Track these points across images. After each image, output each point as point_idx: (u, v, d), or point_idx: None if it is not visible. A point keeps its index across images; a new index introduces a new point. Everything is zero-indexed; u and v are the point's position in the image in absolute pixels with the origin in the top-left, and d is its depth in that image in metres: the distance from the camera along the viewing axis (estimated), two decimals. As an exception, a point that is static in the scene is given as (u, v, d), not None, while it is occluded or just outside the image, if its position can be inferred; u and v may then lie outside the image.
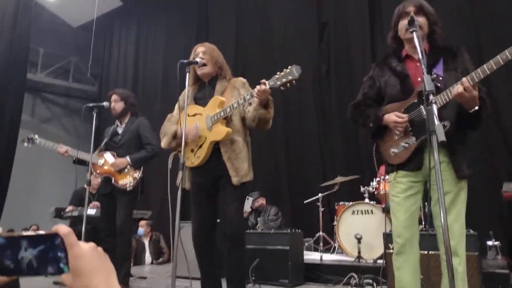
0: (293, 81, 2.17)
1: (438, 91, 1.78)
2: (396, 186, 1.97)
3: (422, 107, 1.86)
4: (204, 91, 2.57)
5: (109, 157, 3.49)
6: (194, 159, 2.45)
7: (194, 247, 2.51)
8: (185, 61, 2.42)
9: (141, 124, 3.60)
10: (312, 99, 5.75)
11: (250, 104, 2.40)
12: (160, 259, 5.70)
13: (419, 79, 1.90)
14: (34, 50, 8.52)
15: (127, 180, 3.41)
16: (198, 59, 2.49)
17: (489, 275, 2.89)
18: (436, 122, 1.45)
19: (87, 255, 0.59)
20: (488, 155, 4.27)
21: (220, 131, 2.35)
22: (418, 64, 1.94)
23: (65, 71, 9.37)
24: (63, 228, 0.59)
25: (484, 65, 1.71)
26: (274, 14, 6.37)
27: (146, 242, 5.78)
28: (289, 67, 2.17)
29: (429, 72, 1.80)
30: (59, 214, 4.37)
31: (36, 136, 3.82)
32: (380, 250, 3.61)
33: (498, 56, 1.69)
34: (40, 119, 9.24)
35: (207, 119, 2.42)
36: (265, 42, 6.38)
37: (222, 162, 2.38)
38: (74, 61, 9.37)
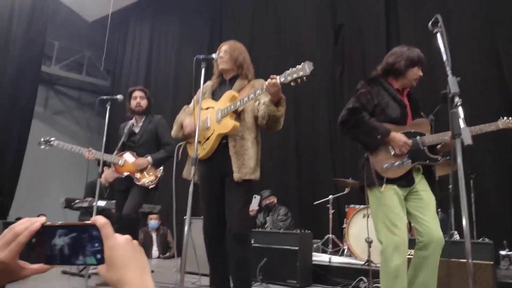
0: (304, 78, 2.12)
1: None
2: (393, 197, 2.11)
3: (418, 137, 2.17)
4: (224, 87, 2.56)
5: (129, 157, 3.52)
6: (201, 150, 2.43)
7: (204, 242, 2.50)
8: (200, 56, 2.42)
9: (159, 123, 3.62)
10: (325, 101, 5.72)
11: (264, 103, 2.37)
12: (167, 254, 5.72)
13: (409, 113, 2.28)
14: (49, 44, 8.61)
15: (149, 179, 3.45)
16: (214, 55, 2.48)
17: (504, 285, 2.83)
18: (462, 124, 1.42)
19: (122, 246, 0.59)
20: (503, 168, 4.20)
21: (228, 124, 2.34)
22: (405, 100, 2.29)
23: (78, 65, 9.44)
24: (100, 219, 0.59)
25: (482, 125, 2.14)
26: (289, 14, 6.34)
27: (154, 235, 5.80)
28: (302, 63, 2.13)
29: (417, 113, 2.29)
30: (69, 204, 4.38)
31: (53, 138, 3.81)
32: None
33: (488, 124, 2.13)
34: (53, 111, 9.32)
35: (217, 112, 2.42)
36: (279, 42, 6.36)
37: (229, 158, 2.36)
38: (88, 55, 9.44)
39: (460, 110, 1.49)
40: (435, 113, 3.71)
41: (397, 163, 2.12)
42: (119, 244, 0.59)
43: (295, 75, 2.13)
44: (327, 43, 5.82)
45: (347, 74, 5.62)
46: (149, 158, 3.47)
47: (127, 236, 0.61)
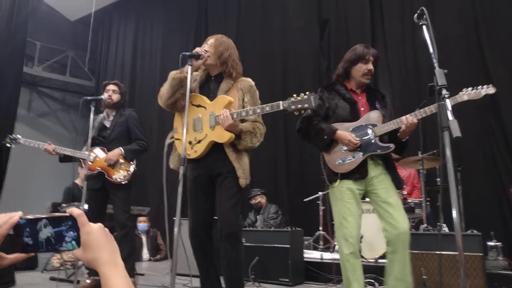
0: (308, 110, 2.12)
1: (383, 120, 2.28)
2: (345, 192, 2.23)
3: (369, 128, 2.25)
4: (210, 84, 2.49)
5: (99, 152, 3.39)
6: (191, 151, 2.38)
7: (191, 244, 2.45)
8: (187, 53, 2.34)
9: (130, 117, 3.49)
10: (312, 96, 5.69)
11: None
12: (158, 256, 5.65)
13: (362, 108, 2.34)
14: (31, 44, 8.41)
15: (121, 175, 3.32)
16: (199, 49, 2.40)
17: (492, 276, 2.85)
18: (450, 117, 1.41)
19: (96, 232, 0.69)
20: (490, 159, 4.26)
21: (223, 135, 2.29)
22: (359, 97, 2.38)
23: (62, 66, 9.24)
24: (76, 210, 0.69)
25: (426, 108, 2.14)
26: (274, 11, 6.31)
27: (144, 238, 5.72)
28: (307, 93, 2.11)
29: (373, 106, 2.34)
30: (56, 209, 4.29)
31: (19, 136, 3.65)
32: (382, 250, 3.57)
33: (432, 105, 2.08)
34: (37, 114, 9.12)
35: (211, 117, 2.34)
36: (265, 39, 6.32)
37: (223, 160, 2.32)
38: (71, 56, 9.25)
39: (448, 102, 1.48)
40: (422, 106, 3.72)
41: (348, 157, 2.25)
42: (93, 230, 0.69)
43: (299, 105, 2.11)
44: (313, 39, 5.80)
45: (333, 68, 5.59)
46: (121, 148, 3.35)
47: (100, 224, 0.71)
